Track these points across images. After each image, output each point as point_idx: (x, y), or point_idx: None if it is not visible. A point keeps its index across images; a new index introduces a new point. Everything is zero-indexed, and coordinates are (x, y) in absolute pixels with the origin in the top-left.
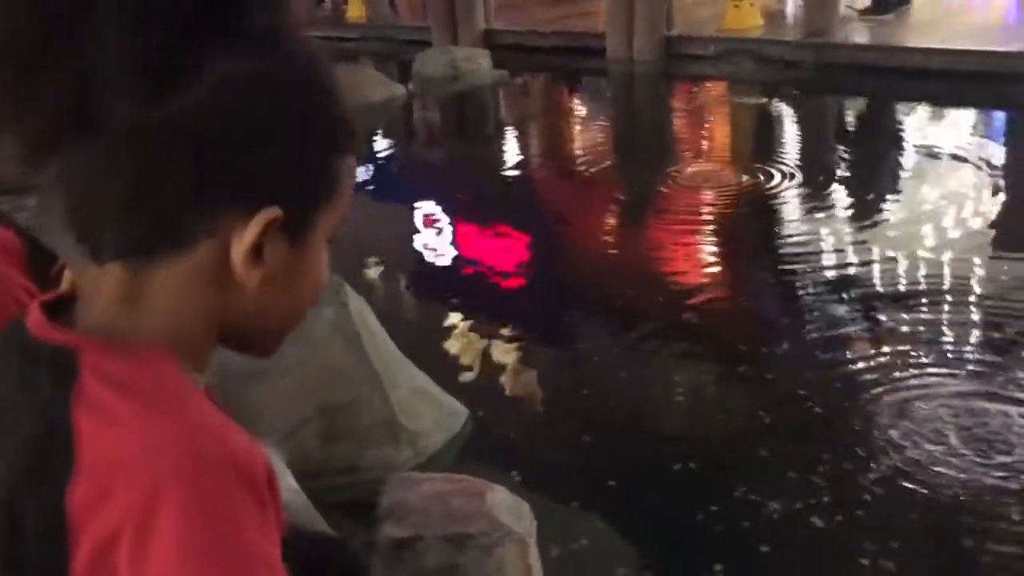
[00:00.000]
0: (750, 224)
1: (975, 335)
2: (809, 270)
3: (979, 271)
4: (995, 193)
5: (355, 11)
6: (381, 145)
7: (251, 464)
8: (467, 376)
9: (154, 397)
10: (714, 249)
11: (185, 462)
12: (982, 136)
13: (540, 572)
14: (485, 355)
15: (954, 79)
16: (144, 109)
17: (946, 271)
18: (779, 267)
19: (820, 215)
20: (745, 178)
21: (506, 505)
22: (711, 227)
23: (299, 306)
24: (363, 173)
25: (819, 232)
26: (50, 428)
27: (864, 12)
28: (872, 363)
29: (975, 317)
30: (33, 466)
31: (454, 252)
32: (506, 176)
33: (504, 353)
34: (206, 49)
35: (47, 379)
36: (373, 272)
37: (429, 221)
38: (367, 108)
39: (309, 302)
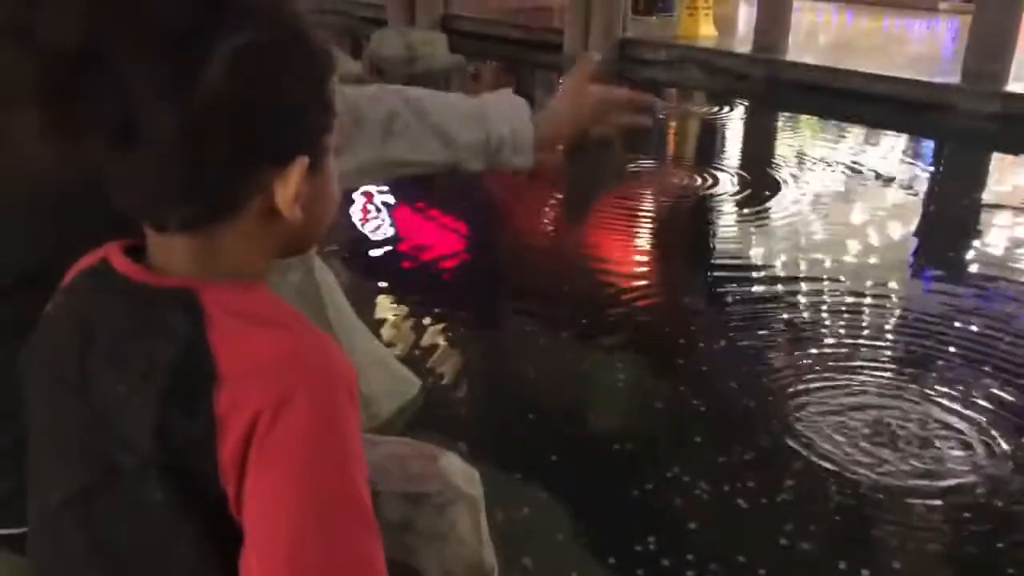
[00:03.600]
0: (690, 226)
1: (892, 345)
2: (743, 275)
3: (899, 286)
4: (917, 214)
5: None
6: None
7: (355, 379)
8: (419, 351)
9: (270, 319)
10: (654, 247)
11: (311, 374)
12: (910, 160)
13: (488, 533)
14: (437, 333)
15: (892, 104)
16: (176, 112)
17: (868, 284)
18: (716, 269)
19: (756, 224)
20: (686, 181)
21: (458, 469)
22: (652, 226)
23: (332, 206)
24: None
25: (753, 239)
26: (191, 353)
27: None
28: (798, 363)
29: (893, 328)
30: (179, 385)
31: (403, 237)
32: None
33: (455, 333)
34: (209, 33)
35: (177, 315)
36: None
37: (374, 205)
38: None
39: (337, 199)
